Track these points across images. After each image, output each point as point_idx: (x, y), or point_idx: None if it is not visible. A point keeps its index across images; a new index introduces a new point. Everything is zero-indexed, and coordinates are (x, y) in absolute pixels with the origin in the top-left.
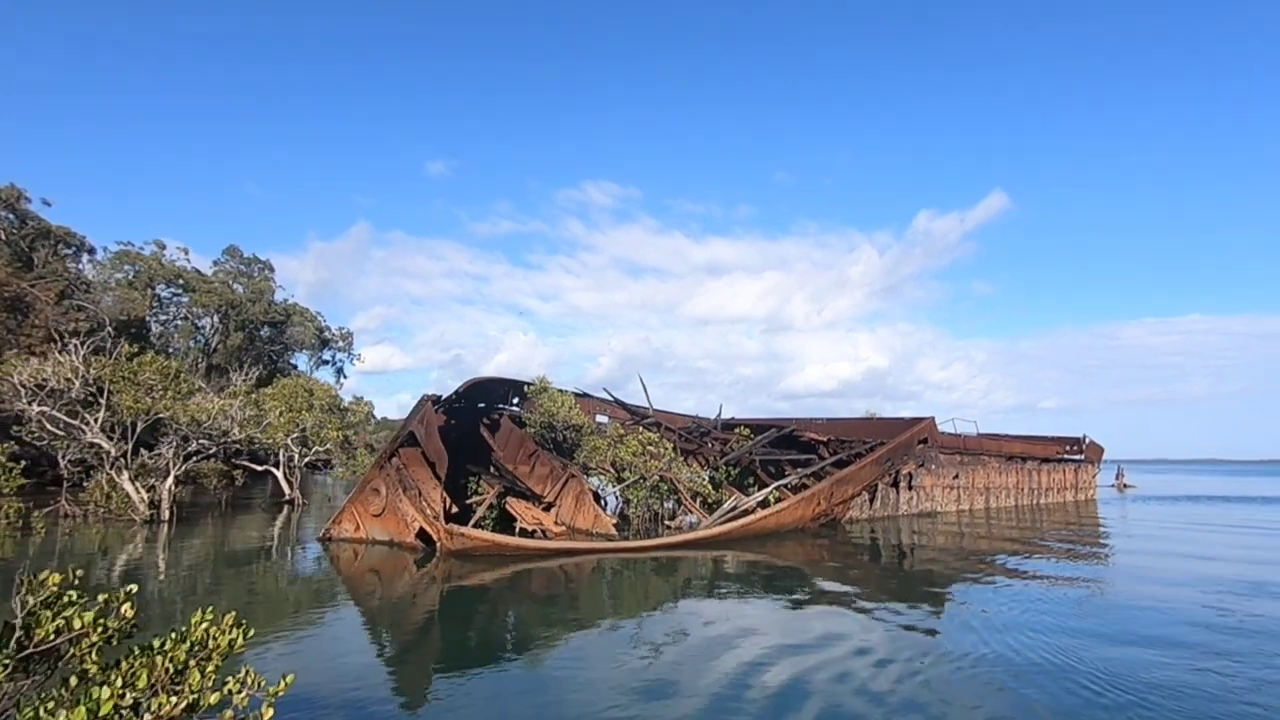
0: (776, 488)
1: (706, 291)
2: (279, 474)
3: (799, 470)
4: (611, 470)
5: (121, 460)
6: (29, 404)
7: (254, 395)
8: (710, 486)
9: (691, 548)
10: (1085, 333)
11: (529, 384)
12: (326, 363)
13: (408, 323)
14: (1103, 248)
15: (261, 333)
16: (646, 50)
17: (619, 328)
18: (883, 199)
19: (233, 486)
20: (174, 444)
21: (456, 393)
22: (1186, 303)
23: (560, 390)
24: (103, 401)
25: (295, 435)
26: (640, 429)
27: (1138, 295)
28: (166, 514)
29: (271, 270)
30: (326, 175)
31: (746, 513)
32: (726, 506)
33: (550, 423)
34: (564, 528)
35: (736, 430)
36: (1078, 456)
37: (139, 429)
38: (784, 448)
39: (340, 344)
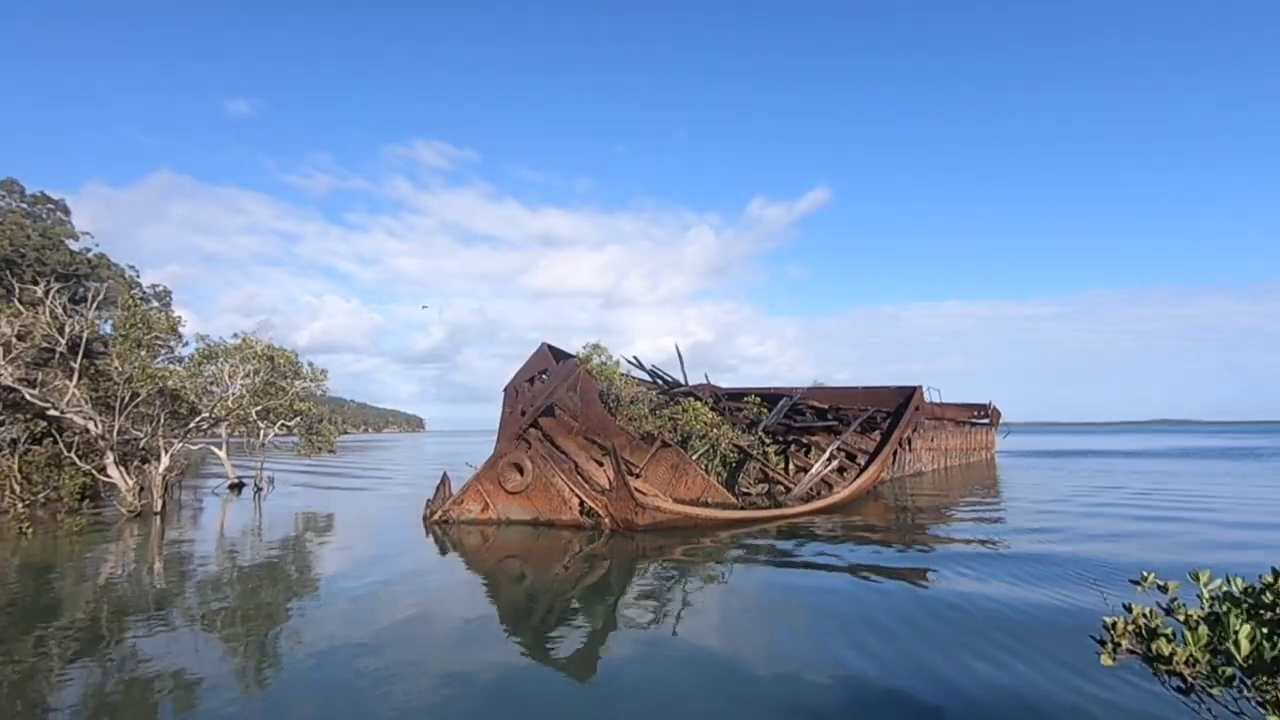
0: (832, 453)
1: (549, 264)
2: (222, 454)
3: (835, 436)
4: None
5: (105, 441)
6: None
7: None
8: (772, 454)
9: (825, 513)
10: (874, 313)
11: (567, 355)
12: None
13: (208, 283)
14: (898, 241)
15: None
16: (486, 4)
17: (447, 296)
18: (717, 182)
19: (180, 468)
20: (159, 418)
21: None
22: (947, 289)
23: (602, 362)
24: (74, 365)
25: (259, 408)
26: (675, 400)
27: (915, 282)
28: (159, 504)
29: (66, 212)
30: (103, 105)
31: (825, 484)
32: (813, 470)
33: (604, 391)
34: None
35: (746, 399)
36: (984, 420)
37: (130, 401)
38: (793, 416)
39: (156, 305)
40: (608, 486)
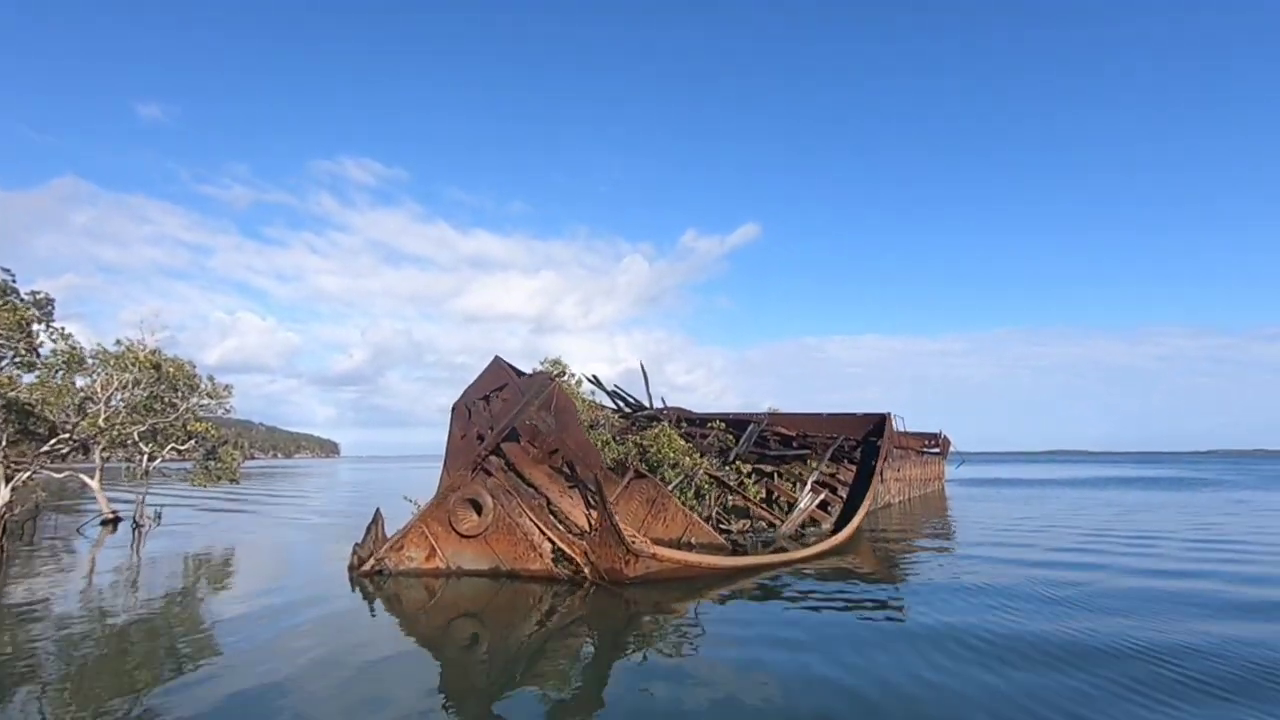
0: (813, 485)
1: (480, 287)
2: (94, 483)
3: (806, 465)
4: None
5: None
6: None
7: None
8: (750, 484)
9: (830, 555)
10: (797, 345)
11: (521, 372)
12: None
13: (109, 296)
14: (822, 275)
15: None
16: (418, 28)
17: (371, 317)
18: (651, 213)
19: (37, 502)
20: (1, 439)
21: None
22: (866, 324)
23: (563, 382)
24: None
25: (144, 428)
26: (638, 425)
27: (836, 317)
28: None
29: None
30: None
31: (810, 518)
32: (802, 505)
33: None
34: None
35: (710, 424)
36: (935, 450)
37: None
38: (761, 444)
39: (36, 314)
40: (588, 528)
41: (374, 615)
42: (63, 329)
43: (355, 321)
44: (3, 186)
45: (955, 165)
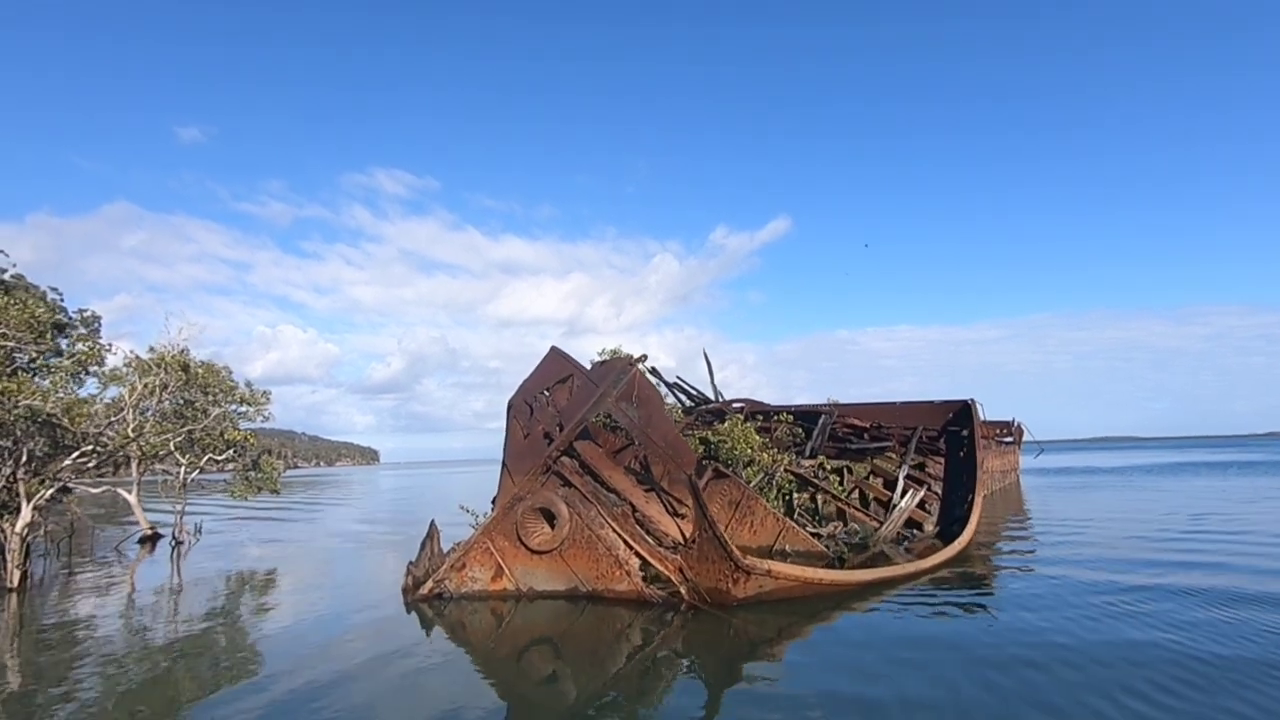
0: (907, 482)
1: (512, 292)
2: (132, 498)
3: (891, 459)
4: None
5: None
6: None
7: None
8: (837, 482)
9: (954, 564)
10: (829, 338)
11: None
12: (58, 355)
13: (157, 315)
14: (854, 267)
15: None
16: (446, 38)
17: (405, 325)
18: (679, 211)
19: (72, 520)
20: (21, 454)
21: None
22: (899, 315)
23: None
24: None
25: (180, 438)
26: (702, 420)
27: (869, 308)
28: (16, 577)
29: None
30: (52, 133)
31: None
32: (902, 504)
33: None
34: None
35: (776, 418)
36: (1009, 440)
37: None
38: (834, 438)
39: (82, 331)
40: (683, 539)
41: (435, 646)
42: (109, 344)
43: (391, 331)
44: (57, 214)
45: (988, 148)
